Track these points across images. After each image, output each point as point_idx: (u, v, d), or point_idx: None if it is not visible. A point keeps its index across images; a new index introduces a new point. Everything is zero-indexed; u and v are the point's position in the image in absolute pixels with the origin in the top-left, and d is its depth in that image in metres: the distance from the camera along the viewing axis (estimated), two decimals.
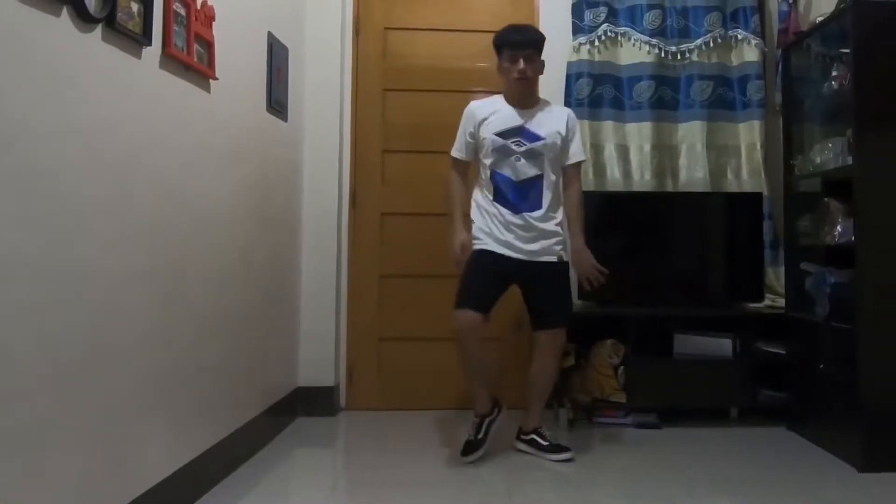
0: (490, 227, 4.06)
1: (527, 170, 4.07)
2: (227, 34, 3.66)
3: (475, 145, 4.17)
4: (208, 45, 3.46)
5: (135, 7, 2.79)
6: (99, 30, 2.58)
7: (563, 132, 4.14)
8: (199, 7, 3.32)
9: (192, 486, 3.32)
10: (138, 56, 2.86)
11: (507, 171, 4.07)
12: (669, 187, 5.32)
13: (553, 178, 4.13)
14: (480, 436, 4.10)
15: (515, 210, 4.04)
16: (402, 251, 5.05)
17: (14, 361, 2.15)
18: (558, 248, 4.16)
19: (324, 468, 4.10)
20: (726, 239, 5.23)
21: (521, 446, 4.20)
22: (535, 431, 4.17)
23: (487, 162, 4.09)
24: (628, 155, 5.31)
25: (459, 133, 4.23)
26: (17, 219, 2.16)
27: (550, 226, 4.10)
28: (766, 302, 5.09)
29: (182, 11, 3.17)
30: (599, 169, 5.28)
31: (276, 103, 4.50)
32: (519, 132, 4.07)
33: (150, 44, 2.92)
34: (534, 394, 4.22)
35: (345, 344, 5.27)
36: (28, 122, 2.20)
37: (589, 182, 5.16)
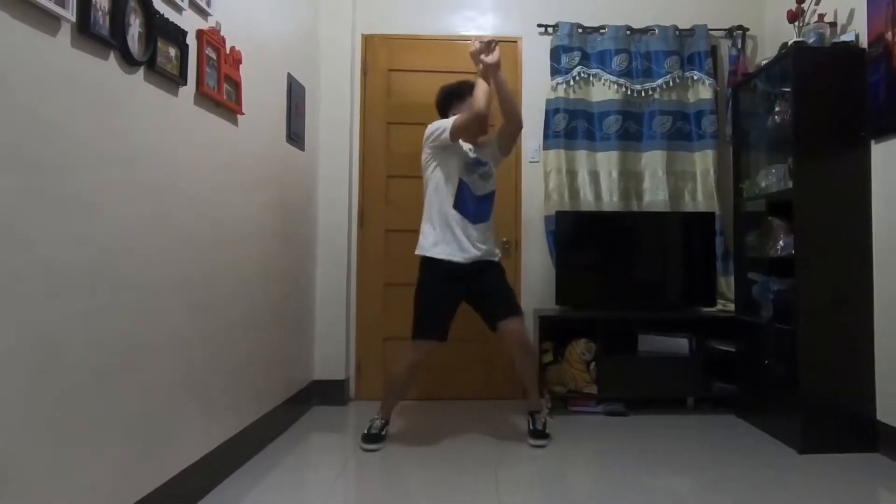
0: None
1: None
2: (252, 75, 3.67)
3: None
4: (236, 85, 3.47)
5: (172, 52, 2.80)
6: (141, 71, 2.60)
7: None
8: (227, 52, 3.33)
9: (219, 467, 3.32)
10: (175, 94, 2.87)
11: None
12: (634, 207, 5.32)
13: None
14: (384, 433, 4.09)
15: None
16: (403, 263, 5.04)
17: (69, 361, 2.16)
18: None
19: (336, 451, 4.09)
20: (683, 252, 5.23)
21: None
22: (532, 414, 4.19)
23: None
24: (599, 180, 5.31)
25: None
26: (74, 238, 2.18)
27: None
28: (718, 306, 5.11)
29: (213, 55, 3.19)
30: (574, 191, 5.29)
31: (295, 135, 4.51)
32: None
33: (185, 83, 2.94)
34: (525, 383, 4.26)
35: (354, 343, 5.27)
36: (82, 152, 2.22)
37: (565, 203, 5.21)
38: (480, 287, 4.09)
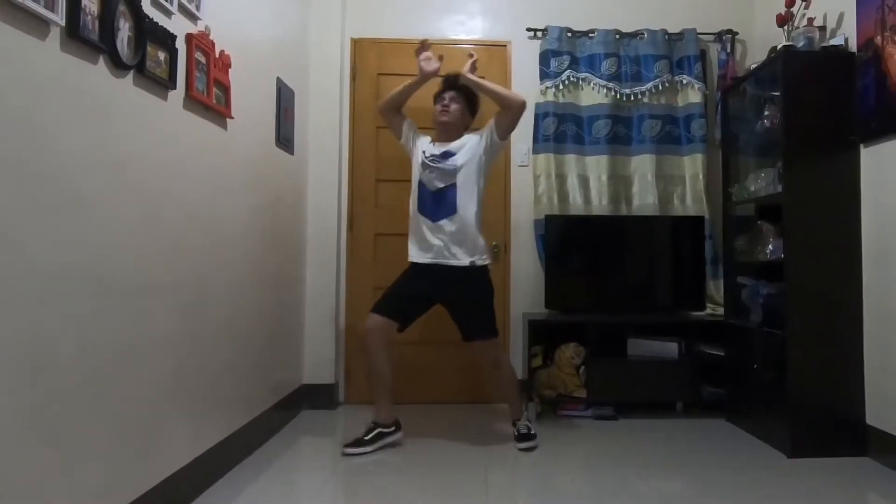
0: None
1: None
2: (241, 79, 3.67)
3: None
4: (225, 89, 3.47)
5: (162, 56, 2.80)
6: (131, 75, 2.59)
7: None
8: (217, 56, 3.33)
9: (209, 471, 3.31)
10: (165, 98, 2.87)
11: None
12: (624, 211, 5.34)
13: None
14: (368, 438, 4.02)
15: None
16: (392, 266, 5.03)
17: (60, 363, 2.16)
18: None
19: (325, 455, 4.08)
20: (673, 256, 5.25)
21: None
22: (514, 423, 4.21)
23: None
24: (588, 184, 5.32)
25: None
26: (64, 241, 2.18)
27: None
28: (708, 310, 5.13)
29: (203, 59, 3.19)
30: (563, 195, 5.30)
31: (284, 139, 4.51)
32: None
33: (175, 87, 2.93)
34: (503, 395, 4.33)
35: (343, 347, 5.26)
36: (72, 156, 2.22)
37: (554, 207, 5.23)
38: (452, 299, 4.14)
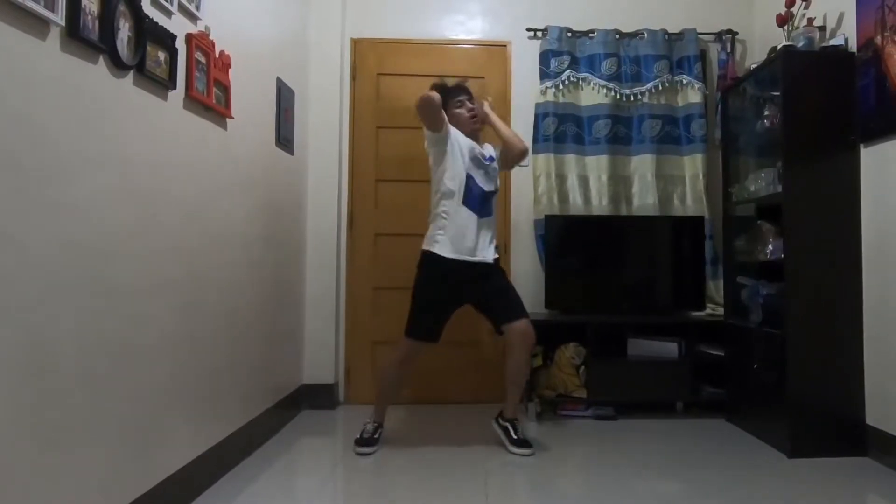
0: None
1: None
2: (241, 79, 3.68)
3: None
4: (225, 89, 3.47)
5: (162, 56, 2.80)
6: (131, 75, 2.59)
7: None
8: (217, 56, 3.33)
9: (209, 471, 3.31)
10: (165, 98, 2.87)
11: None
12: (624, 211, 5.34)
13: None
14: (377, 436, 4.08)
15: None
16: (392, 266, 5.05)
17: (58, 365, 2.16)
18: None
19: (325, 455, 4.09)
20: (673, 256, 5.25)
21: (497, 428, 4.15)
22: (512, 422, 4.11)
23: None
24: (588, 184, 5.32)
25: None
26: (63, 241, 2.18)
27: None
28: (708, 310, 5.13)
29: (203, 59, 3.19)
30: (563, 195, 5.30)
31: (284, 139, 4.51)
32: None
33: (174, 87, 2.94)
34: (512, 387, 4.13)
35: (343, 346, 5.27)
36: (71, 156, 2.22)
37: (554, 207, 5.23)
38: (486, 291, 4.08)
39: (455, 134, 4.06)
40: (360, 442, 4.01)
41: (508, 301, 4.09)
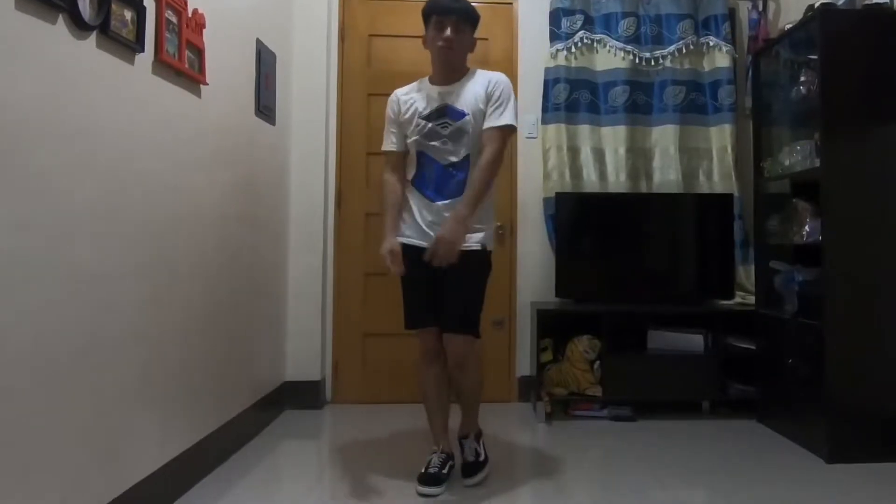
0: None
1: (450, 155, 3.57)
2: (216, 41, 3.66)
3: (403, 133, 3.69)
4: (199, 52, 3.46)
5: (128, 15, 2.79)
6: (93, 37, 2.58)
7: (483, 100, 3.56)
8: (189, 15, 3.32)
9: (181, 477, 3.32)
10: (131, 62, 2.86)
11: (433, 155, 3.60)
12: (643, 189, 5.34)
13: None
14: (445, 471, 3.57)
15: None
16: None
17: (10, 360, 2.15)
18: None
19: (310, 459, 4.10)
20: (698, 238, 5.26)
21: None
22: (459, 440, 3.79)
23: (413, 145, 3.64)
24: (604, 157, 5.33)
25: (386, 125, 3.78)
26: (16, 222, 2.16)
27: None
28: (737, 299, 5.14)
29: (174, 19, 3.17)
30: (576, 171, 5.30)
31: (265, 108, 4.50)
32: (444, 112, 3.58)
33: (142, 50, 2.92)
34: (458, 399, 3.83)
35: (331, 339, 5.28)
36: (24, 126, 2.20)
37: (566, 183, 5.21)
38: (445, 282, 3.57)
39: (409, 106, 3.67)
40: (423, 479, 3.54)
41: (452, 305, 3.58)
